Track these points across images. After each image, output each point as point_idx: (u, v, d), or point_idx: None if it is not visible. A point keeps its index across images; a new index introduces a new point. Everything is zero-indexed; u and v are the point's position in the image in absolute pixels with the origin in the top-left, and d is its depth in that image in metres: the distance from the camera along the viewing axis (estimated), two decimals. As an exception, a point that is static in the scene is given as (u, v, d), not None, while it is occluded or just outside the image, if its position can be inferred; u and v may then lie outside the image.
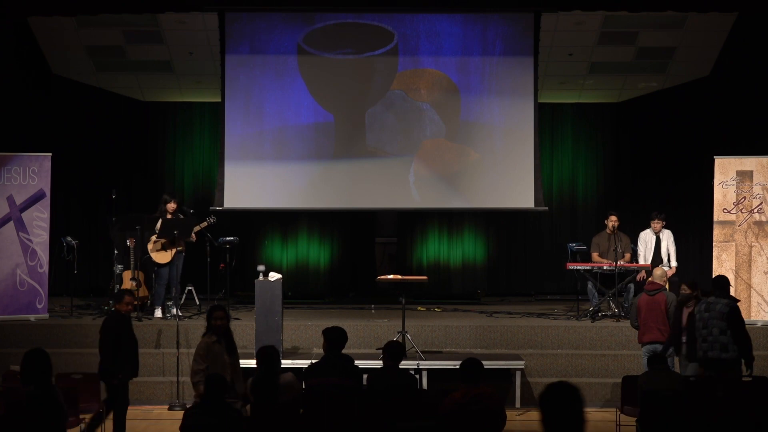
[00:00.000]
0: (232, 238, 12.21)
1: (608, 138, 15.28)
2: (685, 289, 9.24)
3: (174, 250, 11.55)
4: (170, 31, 12.99)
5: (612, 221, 11.96)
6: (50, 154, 11.86)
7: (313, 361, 8.42)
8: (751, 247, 11.43)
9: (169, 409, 10.05)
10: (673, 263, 11.87)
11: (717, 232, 11.56)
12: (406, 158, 12.77)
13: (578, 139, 15.27)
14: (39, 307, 11.57)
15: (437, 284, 14.55)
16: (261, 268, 10.50)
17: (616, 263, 11.57)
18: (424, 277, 11.78)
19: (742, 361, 8.75)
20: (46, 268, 11.66)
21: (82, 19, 12.53)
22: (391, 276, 10.93)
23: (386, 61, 12.76)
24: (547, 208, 13.06)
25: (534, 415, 10.06)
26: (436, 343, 10.99)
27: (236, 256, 12.67)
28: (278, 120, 12.75)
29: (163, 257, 11.52)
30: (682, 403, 7.57)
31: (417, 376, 9.53)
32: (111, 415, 8.41)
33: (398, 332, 10.31)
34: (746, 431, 7.16)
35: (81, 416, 8.19)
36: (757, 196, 11.45)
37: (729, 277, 9.65)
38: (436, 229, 15.15)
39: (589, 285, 11.91)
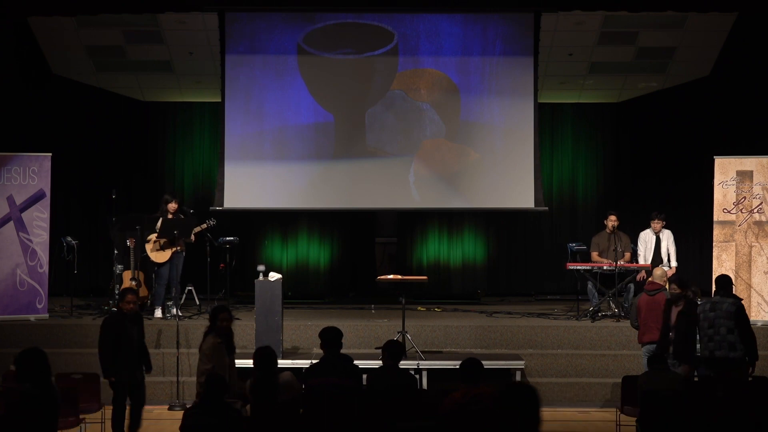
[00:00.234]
0: (232, 238, 12.23)
1: (608, 138, 15.28)
2: (674, 289, 9.23)
3: (172, 250, 11.55)
4: (170, 31, 12.99)
5: (611, 221, 11.97)
6: (50, 154, 11.86)
7: (313, 362, 8.42)
8: (751, 247, 11.44)
9: (169, 409, 10.05)
10: (673, 263, 11.86)
11: (717, 232, 11.57)
12: (406, 158, 12.77)
13: (578, 139, 15.27)
14: (39, 307, 11.58)
15: (437, 284, 14.55)
16: (261, 268, 10.50)
17: (616, 263, 11.58)
18: (424, 277, 11.77)
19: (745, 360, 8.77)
20: (46, 268, 11.67)
21: (82, 19, 12.53)
22: (391, 276, 10.92)
23: (386, 61, 12.77)
24: (547, 208, 13.06)
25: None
26: (436, 343, 10.99)
27: (236, 256, 12.68)
28: (278, 120, 12.75)
29: (160, 257, 11.51)
30: (682, 403, 7.56)
31: (417, 376, 9.55)
32: (110, 416, 8.42)
33: (398, 332, 10.31)
34: (746, 431, 7.17)
35: (81, 416, 8.20)
36: (757, 196, 11.45)
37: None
38: (436, 229, 15.16)
39: (589, 285, 11.91)
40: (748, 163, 11.54)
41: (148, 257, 11.57)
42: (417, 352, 10.21)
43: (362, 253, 15.08)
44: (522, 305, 13.28)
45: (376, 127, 12.80)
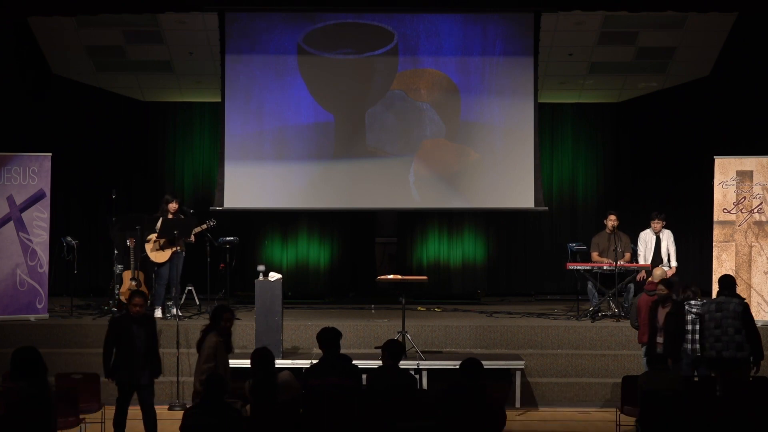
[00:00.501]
0: (232, 238, 12.23)
1: (608, 138, 15.27)
2: (661, 290, 9.24)
3: (172, 250, 11.55)
4: (170, 31, 12.99)
5: (611, 221, 11.97)
6: (50, 154, 11.85)
7: (313, 362, 8.42)
8: (751, 247, 11.44)
9: (169, 409, 10.04)
10: (673, 263, 11.86)
11: (717, 232, 11.56)
12: (406, 158, 12.77)
13: (578, 139, 15.27)
14: (39, 307, 11.57)
15: (437, 284, 14.55)
16: (261, 268, 10.50)
17: (616, 263, 11.57)
18: (424, 277, 11.77)
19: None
20: (46, 268, 11.67)
21: (82, 19, 12.53)
22: (391, 276, 10.92)
23: (386, 61, 12.76)
24: (547, 208, 13.06)
25: (534, 415, 10.08)
26: (436, 343, 10.99)
27: (236, 256, 12.67)
28: (278, 120, 12.75)
29: (160, 257, 11.51)
30: (682, 403, 7.57)
31: (417, 376, 9.55)
32: (111, 416, 8.41)
33: (398, 332, 10.31)
34: (746, 431, 7.17)
35: (81, 416, 8.19)
36: (757, 196, 11.45)
37: (729, 278, 9.65)
38: (436, 229, 15.15)
39: (589, 285, 11.91)
40: (748, 163, 11.54)
41: (148, 257, 11.57)
42: (417, 352, 10.21)
43: (362, 253, 15.08)
44: (522, 305, 13.27)
45: (376, 127, 12.81)
